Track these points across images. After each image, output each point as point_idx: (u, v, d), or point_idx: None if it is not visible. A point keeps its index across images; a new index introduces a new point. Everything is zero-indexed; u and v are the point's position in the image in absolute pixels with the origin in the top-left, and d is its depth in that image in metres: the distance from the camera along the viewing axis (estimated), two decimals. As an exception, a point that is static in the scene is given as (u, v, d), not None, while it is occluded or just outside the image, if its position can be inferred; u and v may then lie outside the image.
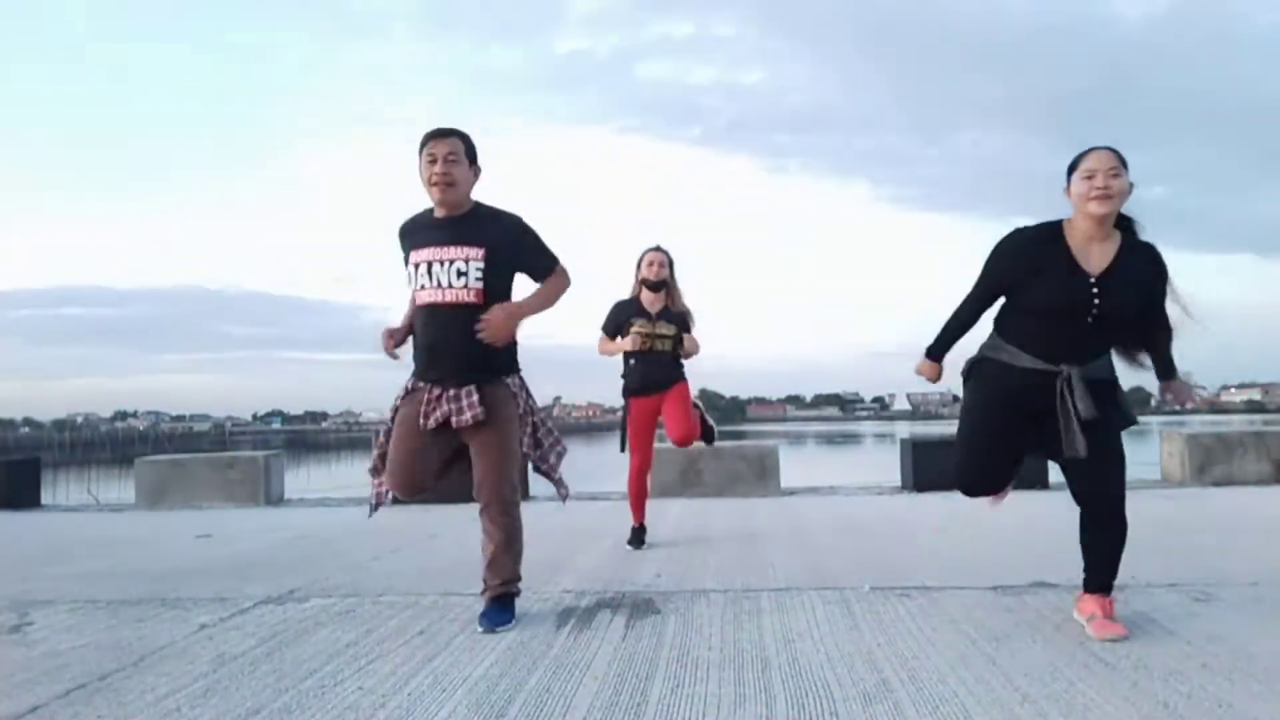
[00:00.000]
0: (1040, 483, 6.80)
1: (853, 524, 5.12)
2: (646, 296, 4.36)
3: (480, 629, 2.82)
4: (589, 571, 3.81)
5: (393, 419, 2.97)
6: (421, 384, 2.92)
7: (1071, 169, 2.63)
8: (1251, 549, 3.98)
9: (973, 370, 2.80)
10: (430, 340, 2.90)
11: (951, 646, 2.53)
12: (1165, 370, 2.81)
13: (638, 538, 4.43)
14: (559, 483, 3.18)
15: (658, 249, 4.41)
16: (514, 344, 3.00)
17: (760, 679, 2.29)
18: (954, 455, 2.88)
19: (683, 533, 4.89)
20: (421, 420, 2.86)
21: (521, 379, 3.03)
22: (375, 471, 3.04)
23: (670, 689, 2.23)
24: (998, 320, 2.77)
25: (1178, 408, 2.91)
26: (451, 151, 2.83)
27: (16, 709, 2.20)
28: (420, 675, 2.40)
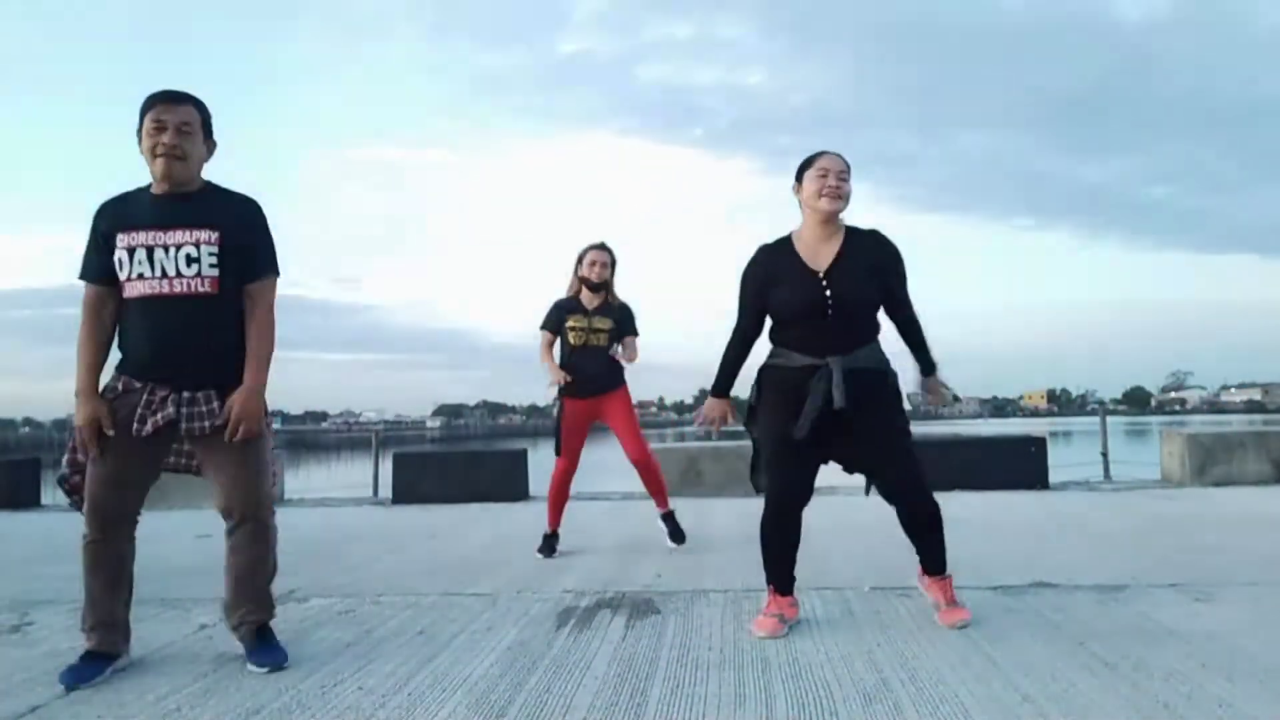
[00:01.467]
0: (1040, 483, 6.81)
1: (853, 524, 5.12)
2: (585, 295, 4.31)
3: (263, 669, 2.45)
4: (589, 571, 3.81)
5: (88, 430, 2.44)
6: (137, 384, 2.46)
7: (802, 171, 2.85)
8: (1251, 549, 3.98)
9: (759, 378, 2.89)
10: (153, 339, 2.44)
11: (951, 646, 2.53)
12: (922, 365, 2.98)
13: (549, 545, 4.27)
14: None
15: (601, 247, 4.33)
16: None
17: (760, 679, 2.29)
18: (767, 472, 2.90)
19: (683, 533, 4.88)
20: (137, 425, 2.41)
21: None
22: (73, 489, 2.61)
23: (670, 689, 2.23)
24: (771, 333, 2.91)
25: (937, 409, 3.05)
26: (185, 121, 2.44)
27: (16, 709, 2.20)
28: (420, 675, 2.40)
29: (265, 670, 2.46)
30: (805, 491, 2.87)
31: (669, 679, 2.31)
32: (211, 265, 2.45)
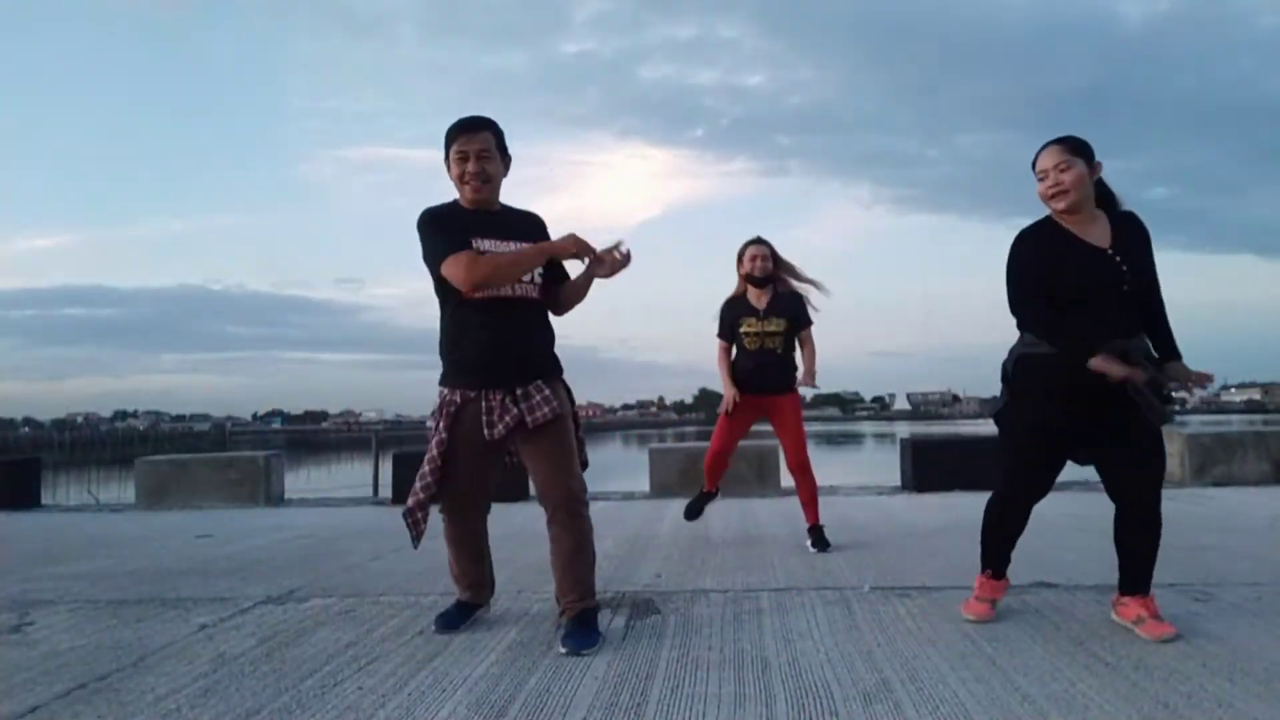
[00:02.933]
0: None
1: (853, 524, 5.12)
2: (752, 293, 4.30)
3: (564, 651, 2.56)
4: (589, 571, 3.81)
5: (438, 442, 2.72)
6: (472, 393, 2.69)
7: (1033, 169, 2.67)
8: (1251, 549, 3.98)
9: (1017, 370, 2.67)
10: (496, 337, 2.67)
11: (951, 646, 2.53)
12: (1171, 348, 2.65)
13: (700, 504, 4.57)
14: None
15: (759, 241, 4.32)
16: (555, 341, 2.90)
17: (760, 679, 2.29)
18: (1005, 455, 2.74)
19: (683, 533, 4.89)
20: (487, 431, 2.66)
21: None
22: (420, 506, 2.76)
23: (670, 689, 2.23)
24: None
25: (1185, 394, 2.75)
26: (484, 148, 2.68)
27: (16, 709, 2.20)
28: (420, 675, 2.40)
29: (564, 653, 2.56)
30: (1047, 489, 2.74)
31: (669, 679, 2.31)
32: (539, 272, 2.75)
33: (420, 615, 3.08)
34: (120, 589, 3.70)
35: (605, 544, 4.58)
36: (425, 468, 2.75)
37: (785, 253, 4.40)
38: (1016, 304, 2.61)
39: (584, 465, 2.90)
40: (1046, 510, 5.29)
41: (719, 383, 4.38)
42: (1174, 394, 2.57)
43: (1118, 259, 2.53)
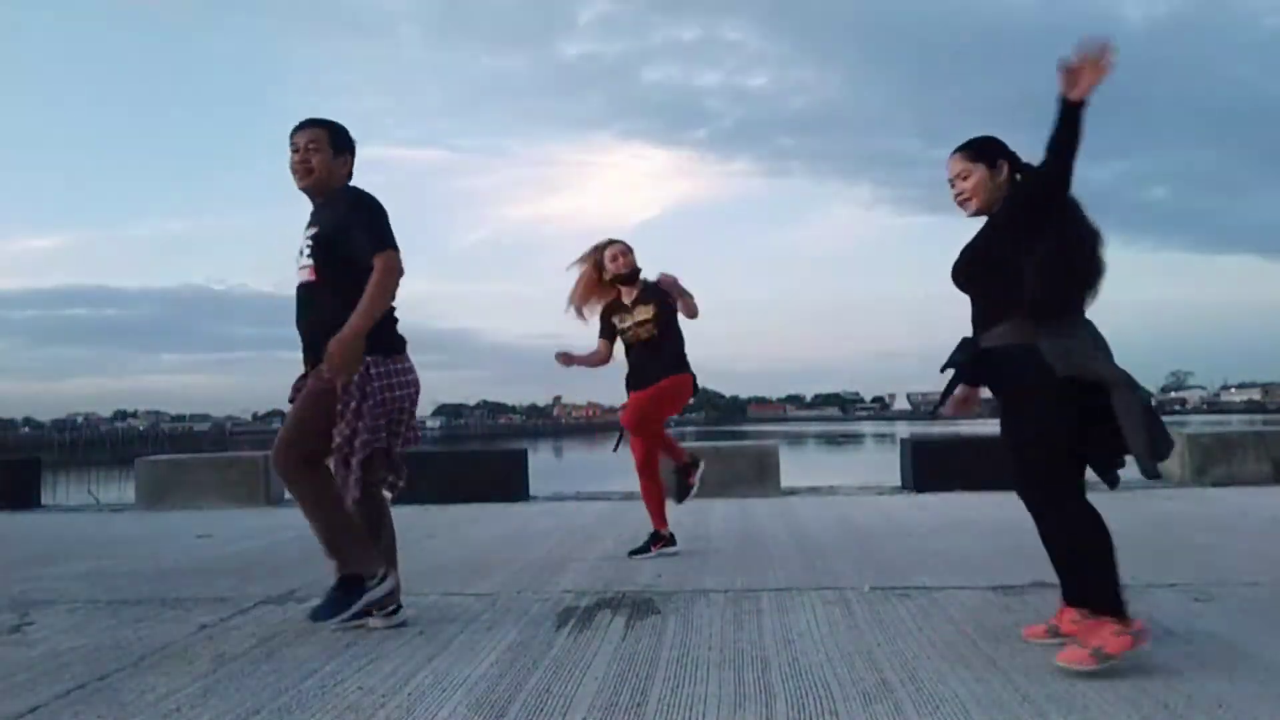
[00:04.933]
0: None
1: (853, 524, 5.12)
2: (624, 291, 4.23)
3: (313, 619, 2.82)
4: (589, 571, 3.81)
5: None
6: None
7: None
8: (1251, 549, 3.98)
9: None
10: (296, 316, 2.99)
11: (951, 646, 2.53)
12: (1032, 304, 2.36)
13: (651, 543, 4.20)
14: (344, 481, 2.84)
15: (614, 241, 4.24)
16: (382, 322, 2.80)
17: (760, 679, 2.29)
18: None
19: (683, 533, 4.88)
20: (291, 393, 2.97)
21: (378, 360, 2.80)
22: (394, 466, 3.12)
23: (670, 689, 2.23)
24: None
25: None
26: (312, 140, 2.91)
27: (16, 709, 2.20)
28: (420, 675, 2.40)
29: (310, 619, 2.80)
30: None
31: (669, 679, 2.31)
32: (308, 256, 2.89)
33: (420, 615, 3.08)
34: (120, 589, 3.70)
35: (605, 544, 4.59)
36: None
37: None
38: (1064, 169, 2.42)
39: (342, 449, 2.81)
40: (1046, 510, 5.30)
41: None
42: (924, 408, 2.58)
43: (960, 254, 2.57)
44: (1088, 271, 2.40)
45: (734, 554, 4.19)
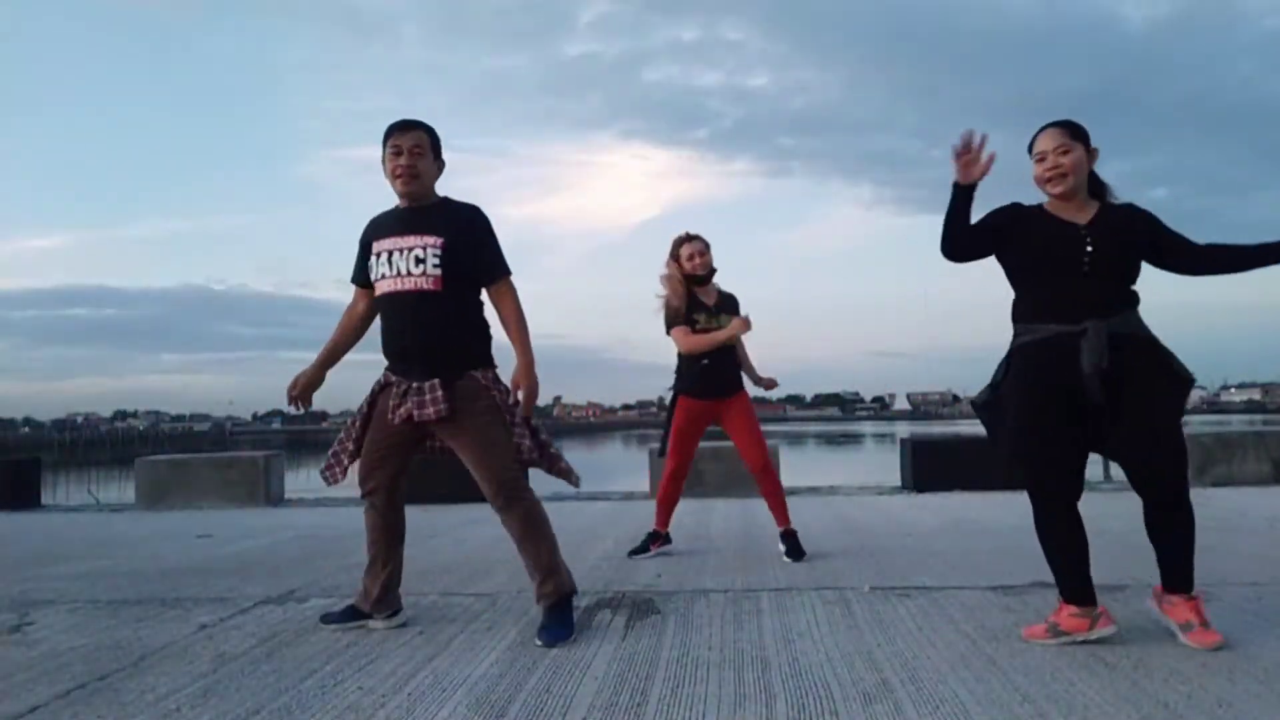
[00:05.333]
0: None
1: (853, 524, 5.12)
2: (700, 291, 4.05)
3: (538, 643, 2.65)
4: (589, 571, 3.81)
5: (367, 409, 2.90)
6: (391, 378, 2.85)
7: (1029, 152, 2.63)
8: (1251, 549, 3.98)
9: (1006, 367, 2.63)
10: (389, 329, 2.84)
11: (951, 646, 2.53)
12: (1266, 249, 2.50)
13: (646, 544, 4.15)
14: (568, 471, 2.99)
15: (695, 237, 4.07)
16: (485, 335, 2.91)
17: (760, 679, 2.29)
18: (1021, 463, 2.57)
19: (683, 533, 4.89)
20: (390, 415, 2.79)
21: (495, 373, 2.89)
22: (337, 456, 2.97)
23: (670, 689, 2.23)
24: (1014, 313, 2.65)
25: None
26: (417, 144, 2.80)
27: (16, 709, 2.20)
28: (420, 675, 2.40)
29: (539, 644, 2.64)
30: (1072, 481, 2.52)
31: (669, 679, 2.31)
32: (435, 265, 2.76)
33: (420, 615, 3.08)
34: (120, 589, 3.70)
35: (605, 544, 4.59)
36: (344, 435, 2.98)
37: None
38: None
39: (555, 467, 2.93)
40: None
41: None
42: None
43: (1086, 238, 2.49)
44: None
45: (734, 554, 4.19)
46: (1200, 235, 2.61)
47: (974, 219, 2.62)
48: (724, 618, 2.94)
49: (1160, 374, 2.48)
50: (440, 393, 2.72)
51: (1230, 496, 6.10)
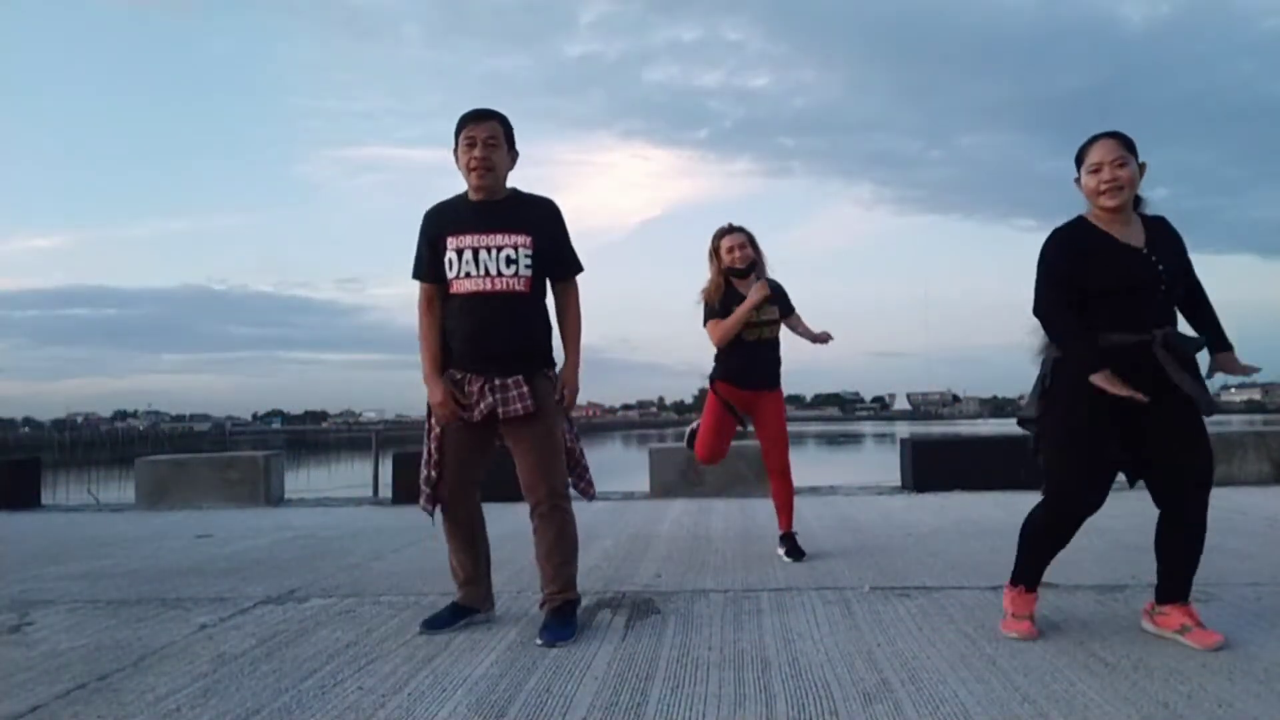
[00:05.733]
0: (1041, 483, 6.79)
1: (853, 524, 5.12)
2: (738, 284, 4.00)
3: (539, 642, 2.65)
4: (589, 571, 3.81)
5: (432, 417, 2.83)
6: (460, 375, 2.78)
7: (1079, 160, 2.59)
8: (1251, 549, 3.98)
9: (1054, 376, 2.56)
10: (475, 330, 2.74)
11: (951, 646, 2.53)
12: (1220, 339, 2.61)
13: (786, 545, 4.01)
14: (589, 483, 3.05)
15: (733, 229, 4.02)
16: (552, 333, 2.89)
17: (760, 679, 2.29)
18: (1059, 468, 2.55)
19: (683, 533, 4.89)
20: (467, 413, 2.75)
21: (549, 372, 2.87)
22: (429, 480, 2.84)
23: (670, 689, 2.23)
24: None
25: (1231, 381, 2.72)
26: (491, 135, 2.72)
27: (16, 709, 2.20)
28: (420, 675, 2.40)
29: (539, 644, 2.65)
30: (1096, 499, 2.52)
31: (669, 679, 2.31)
32: (527, 266, 2.73)
33: (420, 615, 3.08)
34: (120, 589, 3.70)
35: (605, 544, 4.59)
36: (428, 443, 2.85)
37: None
38: (1039, 304, 2.55)
39: (573, 460, 2.94)
40: (1046, 510, 5.29)
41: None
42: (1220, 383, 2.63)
43: (1153, 259, 2.48)
44: None
45: (734, 554, 4.19)
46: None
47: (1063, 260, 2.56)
48: (724, 618, 2.94)
49: (1198, 384, 2.48)
50: (525, 388, 2.71)
51: (1230, 496, 6.10)
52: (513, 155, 2.82)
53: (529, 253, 2.72)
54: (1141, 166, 2.55)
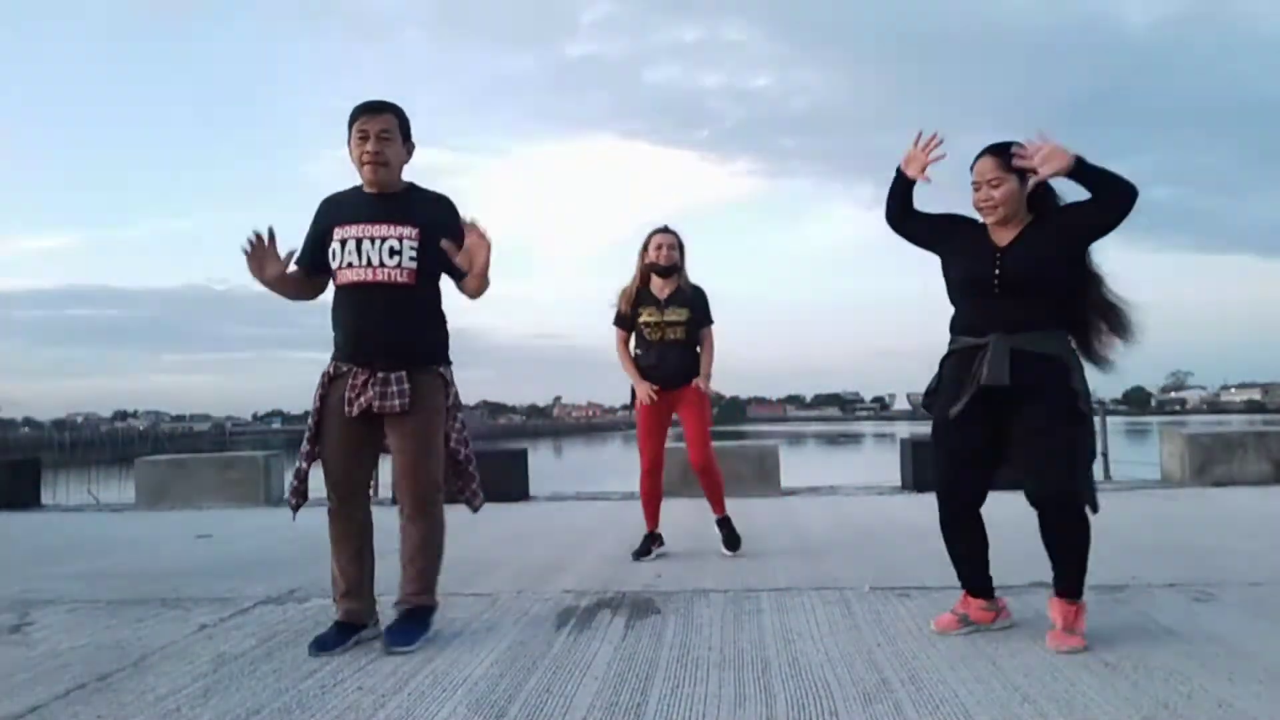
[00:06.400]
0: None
1: (853, 524, 5.12)
2: (655, 283, 4.10)
3: (386, 644, 2.62)
4: (589, 571, 3.81)
5: (320, 405, 2.72)
6: (345, 368, 2.71)
7: (971, 170, 2.66)
8: (1251, 549, 3.98)
9: (938, 377, 2.75)
10: (354, 321, 2.69)
11: (951, 646, 2.53)
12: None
13: (646, 546, 4.13)
14: (474, 492, 2.93)
15: (666, 230, 4.11)
16: (445, 331, 2.84)
17: (760, 679, 2.29)
18: (934, 465, 2.75)
19: (683, 533, 4.88)
20: (346, 407, 2.65)
21: (452, 372, 2.82)
22: (299, 476, 2.79)
23: (670, 689, 2.23)
24: (950, 325, 2.75)
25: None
26: (385, 129, 2.66)
27: (16, 709, 2.20)
28: (420, 675, 2.40)
29: (387, 648, 2.60)
30: (970, 489, 2.64)
31: (669, 679, 2.31)
32: (411, 258, 2.66)
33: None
34: (120, 589, 3.70)
35: (605, 544, 4.59)
36: (304, 439, 2.78)
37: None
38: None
39: (457, 466, 2.84)
40: (1046, 510, 5.30)
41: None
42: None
43: (998, 258, 2.55)
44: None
45: (734, 554, 4.19)
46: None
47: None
48: (724, 618, 2.94)
49: (1060, 395, 2.49)
50: (406, 385, 2.65)
51: (1230, 496, 6.10)
52: (408, 148, 2.77)
53: (414, 245, 2.66)
54: (1025, 180, 2.54)
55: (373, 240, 2.65)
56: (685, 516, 5.50)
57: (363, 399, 2.64)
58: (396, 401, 2.63)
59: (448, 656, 2.57)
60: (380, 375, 2.65)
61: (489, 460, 7.56)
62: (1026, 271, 2.53)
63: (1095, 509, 2.50)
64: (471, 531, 5.31)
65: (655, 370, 4.08)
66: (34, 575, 4.08)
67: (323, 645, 2.63)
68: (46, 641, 2.87)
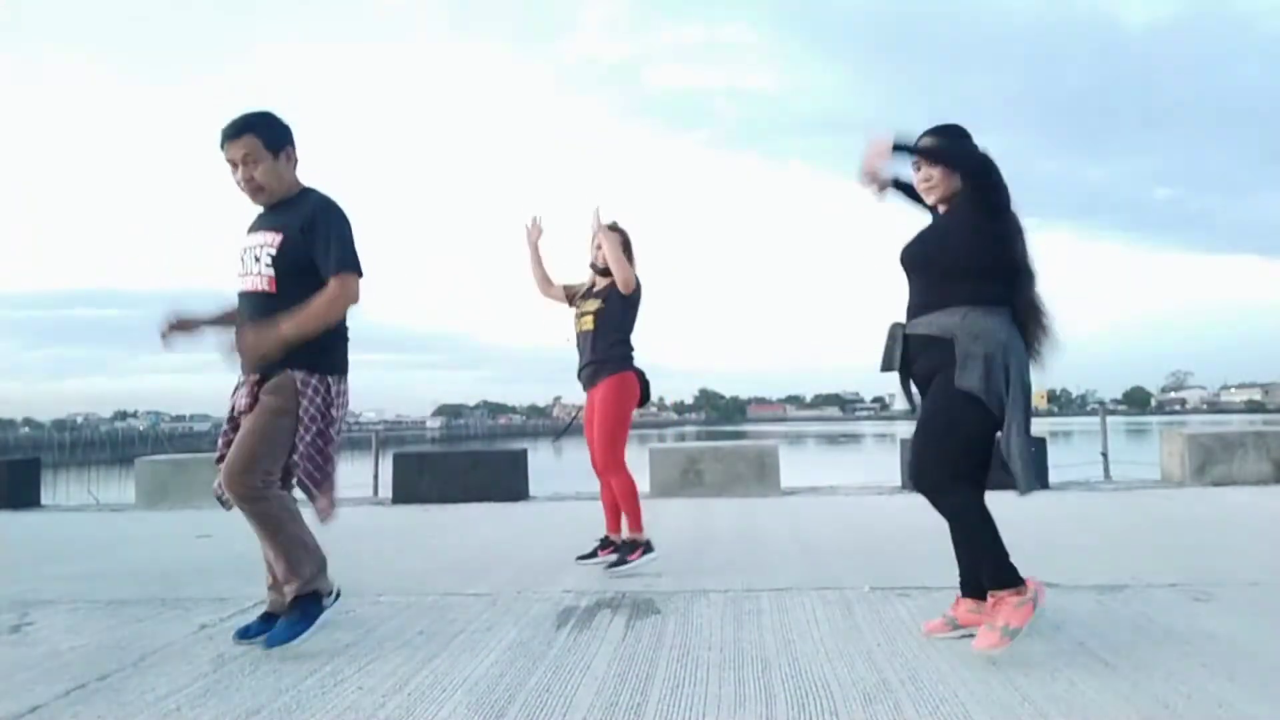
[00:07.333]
0: (1041, 483, 6.80)
1: (853, 524, 5.12)
2: (598, 280, 3.97)
3: (263, 641, 2.60)
4: (589, 571, 3.81)
5: (229, 416, 2.80)
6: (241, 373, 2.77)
7: None
8: (1251, 549, 3.98)
9: None
10: (235, 326, 2.75)
11: (951, 647, 2.53)
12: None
13: (594, 550, 3.95)
14: (327, 509, 2.78)
15: (613, 229, 3.92)
16: (319, 339, 2.65)
17: (760, 679, 2.29)
18: None
19: (683, 533, 4.89)
20: (232, 409, 2.75)
21: (324, 378, 2.69)
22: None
23: (670, 689, 2.23)
24: None
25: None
26: (247, 153, 2.66)
27: (16, 709, 2.20)
28: (420, 675, 2.40)
29: (252, 644, 2.63)
30: (914, 478, 2.59)
31: (669, 679, 2.31)
32: (268, 264, 2.67)
33: (420, 615, 3.08)
34: (120, 589, 3.70)
35: (605, 544, 4.58)
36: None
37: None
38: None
39: (300, 480, 2.72)
40: (1047, 510, 5.30)
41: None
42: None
43: (912, 238, 2.63)
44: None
45: (734, 554, 4.19)
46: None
47: None
48: (724, 618, 2.94)
49: (944, 378, 2.46)
50: (256, 387, 2.67)
51: (1230, 496, 6.10)
52: (285, 155, 2.74)
53: (272, 251, 2.66)
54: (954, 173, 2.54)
55: (248, 250, 2.73)
56: (685, 517, 5.50)
57: (233, 401, 2.75)
58: (243, 402, 2.70)
59: (448, 656, 2.57)
60: (244, 378, 2.74)
61: (489, 460, 7.57)
62: (912, 254, 2.62)
63: (1022, 492, 2.50)
64: (472, 531, 5.32)
65: (580, 368, 3.93)
66: (34, 575, 4.08)
67: (245, 634, 2.69)
68: (47, 641, 2.87)
